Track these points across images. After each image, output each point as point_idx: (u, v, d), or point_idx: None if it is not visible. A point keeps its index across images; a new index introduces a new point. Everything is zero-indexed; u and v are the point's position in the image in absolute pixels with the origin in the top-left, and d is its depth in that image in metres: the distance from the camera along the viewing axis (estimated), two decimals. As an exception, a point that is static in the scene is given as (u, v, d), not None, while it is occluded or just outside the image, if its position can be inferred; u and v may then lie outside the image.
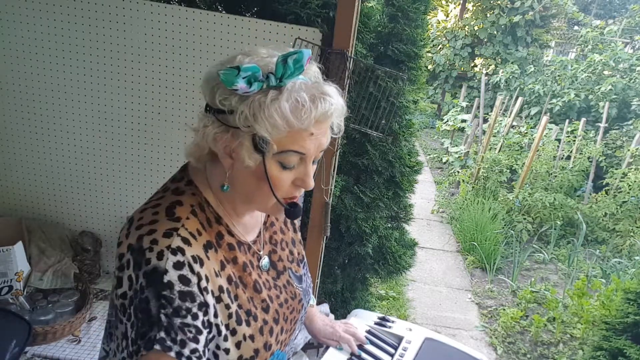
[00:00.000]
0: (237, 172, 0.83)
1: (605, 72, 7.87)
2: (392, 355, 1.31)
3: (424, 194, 6.19)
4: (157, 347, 0.74)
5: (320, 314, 1.36)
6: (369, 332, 1.39)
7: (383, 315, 1.48)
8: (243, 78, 0.73)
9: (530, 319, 3.66)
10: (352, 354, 1.28)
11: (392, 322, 1.44)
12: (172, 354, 0.75)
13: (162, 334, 0.75)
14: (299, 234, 1.14)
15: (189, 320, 0.77)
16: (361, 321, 1.43)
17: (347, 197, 2.28)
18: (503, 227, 4.87)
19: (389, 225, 2.51)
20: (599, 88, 7.42)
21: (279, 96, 0.74)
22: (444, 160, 7.56)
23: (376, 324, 1.44)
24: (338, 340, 1.29)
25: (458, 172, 6.52)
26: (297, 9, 1.94)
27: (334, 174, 1.95)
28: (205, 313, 0.80)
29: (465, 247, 4.84)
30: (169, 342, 0.75)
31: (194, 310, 0.77)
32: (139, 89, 1.91)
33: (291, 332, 1.03)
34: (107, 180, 2.04)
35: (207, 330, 0.80)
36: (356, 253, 2.36)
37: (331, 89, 0.79)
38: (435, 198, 6.19)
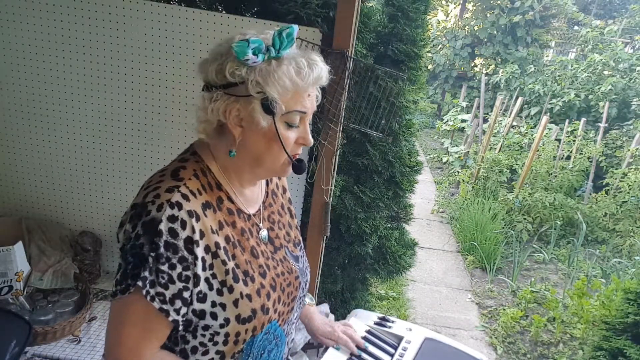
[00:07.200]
0: (248, 138, 0.92)
1: (605, 72, 7.87)
2: (392, 355, 1.31)
3: (424, 194, 6.19)
4: (139, 283, 0.84)
5: (320, 314, 1.36)
6: (368, 332, 1.39)
7: (383, 315, 1.48)
8: (251, 49, 0.84)
9: (530, 319, 3.66)
10: (352, 354, 1.28)
11: (392, 322, 1.44)
12: (144, 292, 0.85)
13: (146, 273, 0.85)
14: (296, 220, 1.20)
15: (165, 267, 0.85)
16: (361, 321, 1.43)
17: (347, 197, 2.28)
18: (503, 227, 4.86)
19: (389, 225, 2.51)
20: (599, 88, 7.42)
21: (281, 63, 0.87)
22: (444, 160, 7.56)
23: (376, 324, 1.44)
24: (336, 340, 1.30)
25: (458, 172, 6.51)
26: (297, 9, 1.94)
27: (334, 174, 1.95)
28: (186, 268, 0.87)
29: (465, 247, 4.84)
30: (148, 282, 0.85)
31: (173, 261, 0.86)
32: (139, 89, 1.91)
33: (290, 310, 1.05)
34: (107, 180, 2.04)
35: (184, 283, 0.87)
36: (356, 253, 2.36)
37: (318, 57, 0.92)
38: (435, 198, 6.19)
